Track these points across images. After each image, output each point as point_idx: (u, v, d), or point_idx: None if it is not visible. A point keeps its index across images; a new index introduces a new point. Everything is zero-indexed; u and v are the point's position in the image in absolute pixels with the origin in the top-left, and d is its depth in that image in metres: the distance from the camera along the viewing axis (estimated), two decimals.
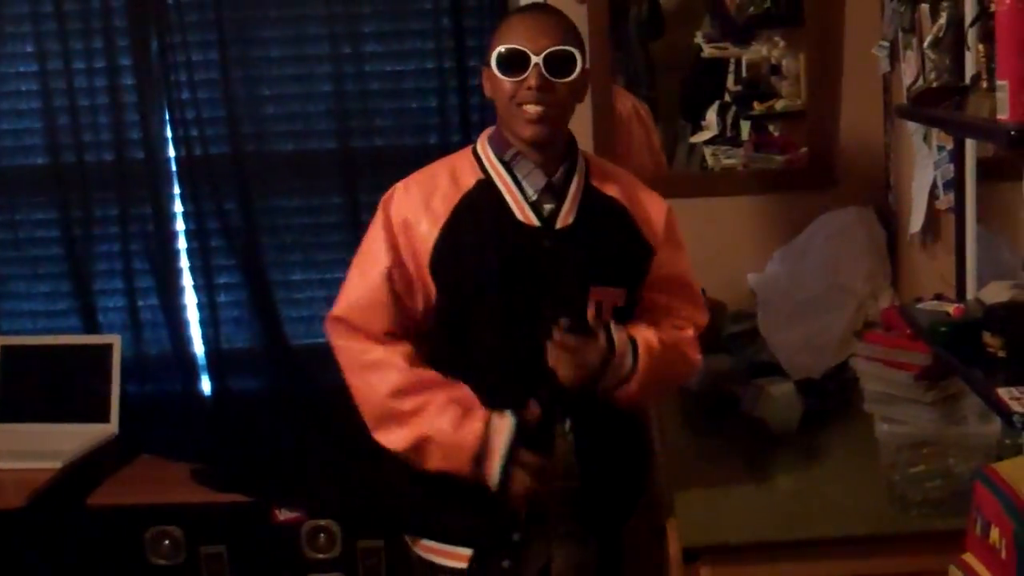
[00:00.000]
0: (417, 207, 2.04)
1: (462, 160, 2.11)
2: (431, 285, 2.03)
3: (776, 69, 2.96)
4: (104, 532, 2.90)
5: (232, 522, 2.89)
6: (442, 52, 3.04)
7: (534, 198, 2.04)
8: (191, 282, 3.19)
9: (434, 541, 2.15)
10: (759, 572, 1.93)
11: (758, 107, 2.98)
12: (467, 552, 2.10)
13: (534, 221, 2.04)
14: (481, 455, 1.97)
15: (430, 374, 2.02)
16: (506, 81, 1.99)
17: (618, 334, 2.02)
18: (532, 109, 1.98)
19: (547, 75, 1.96)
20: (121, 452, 3.09)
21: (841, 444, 2.32)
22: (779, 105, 2.97)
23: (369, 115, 3.11)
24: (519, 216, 2.04)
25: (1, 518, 2.73)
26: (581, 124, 2.96)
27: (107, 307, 3.22)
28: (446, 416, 1.98)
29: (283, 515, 2.89)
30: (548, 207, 2.05)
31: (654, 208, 2.15)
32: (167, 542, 2.89)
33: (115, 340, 3.10)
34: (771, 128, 3.01)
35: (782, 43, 2.93)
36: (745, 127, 2.99)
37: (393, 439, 2.02)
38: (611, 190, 2.11)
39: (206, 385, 3.23)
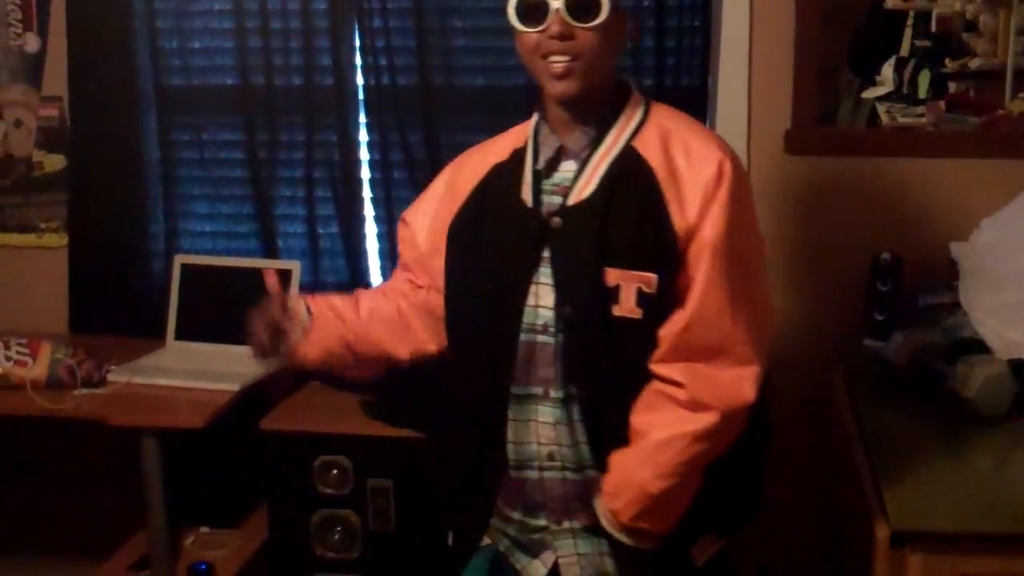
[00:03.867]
0: (466, 174, 1.97)
1: (525, 125, 1.97)
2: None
3: (971, 25, 2.79)
4: (275, 457, 2.93)
5: (400, 457, 2.88)
6: None
7: (540, 166, 1.87)
8: (372, 213, 3.17)
9: None
10: (972, 565, 1.82)
11: (951, 64, 2.82)
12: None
13: (528, 201, 1.85)
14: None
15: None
16: (526, 32, 1.81)
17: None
18: (557, 62, 1.78)
19: (570, 20, 1.76)
20: (293, 378, 3.10)
21: None
22: (974, 63, 2.81)
23: None
24: (522, 194, 1.87)
25: (180, 437, 2.78)
26: (782, 71, 2.86)
27: (287, 232, 3.22)
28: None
29: None
30: (560, 176, 1.86)
31: (699, 176, 1.79)
32: (335, 471, 2.90)
33: (295, 266, 3.10)
34: (952, 88, 2.84)
35: None
36: (923, 85, 2.83)
37: None
38: (654, 158, 1.81)
39: None
